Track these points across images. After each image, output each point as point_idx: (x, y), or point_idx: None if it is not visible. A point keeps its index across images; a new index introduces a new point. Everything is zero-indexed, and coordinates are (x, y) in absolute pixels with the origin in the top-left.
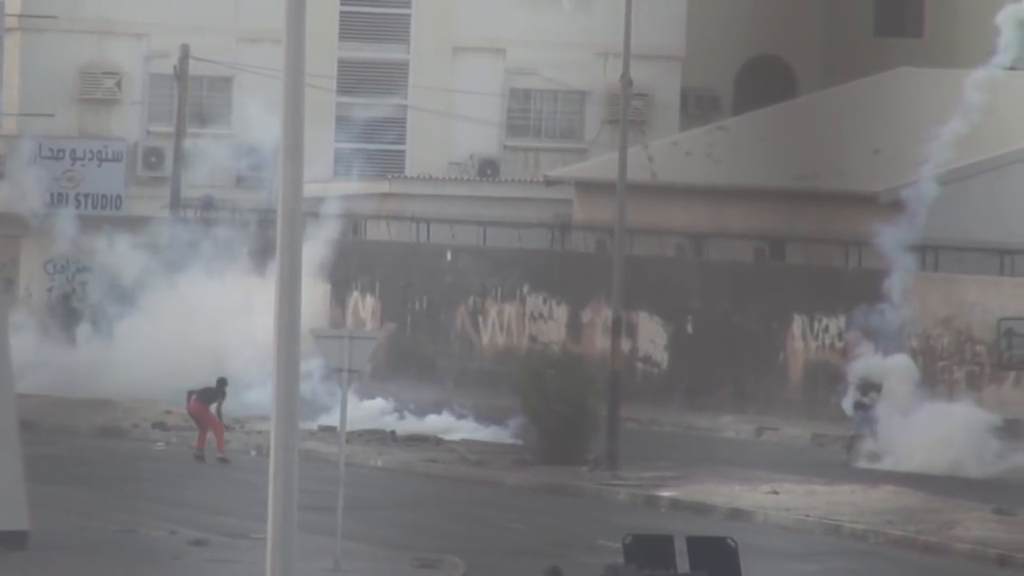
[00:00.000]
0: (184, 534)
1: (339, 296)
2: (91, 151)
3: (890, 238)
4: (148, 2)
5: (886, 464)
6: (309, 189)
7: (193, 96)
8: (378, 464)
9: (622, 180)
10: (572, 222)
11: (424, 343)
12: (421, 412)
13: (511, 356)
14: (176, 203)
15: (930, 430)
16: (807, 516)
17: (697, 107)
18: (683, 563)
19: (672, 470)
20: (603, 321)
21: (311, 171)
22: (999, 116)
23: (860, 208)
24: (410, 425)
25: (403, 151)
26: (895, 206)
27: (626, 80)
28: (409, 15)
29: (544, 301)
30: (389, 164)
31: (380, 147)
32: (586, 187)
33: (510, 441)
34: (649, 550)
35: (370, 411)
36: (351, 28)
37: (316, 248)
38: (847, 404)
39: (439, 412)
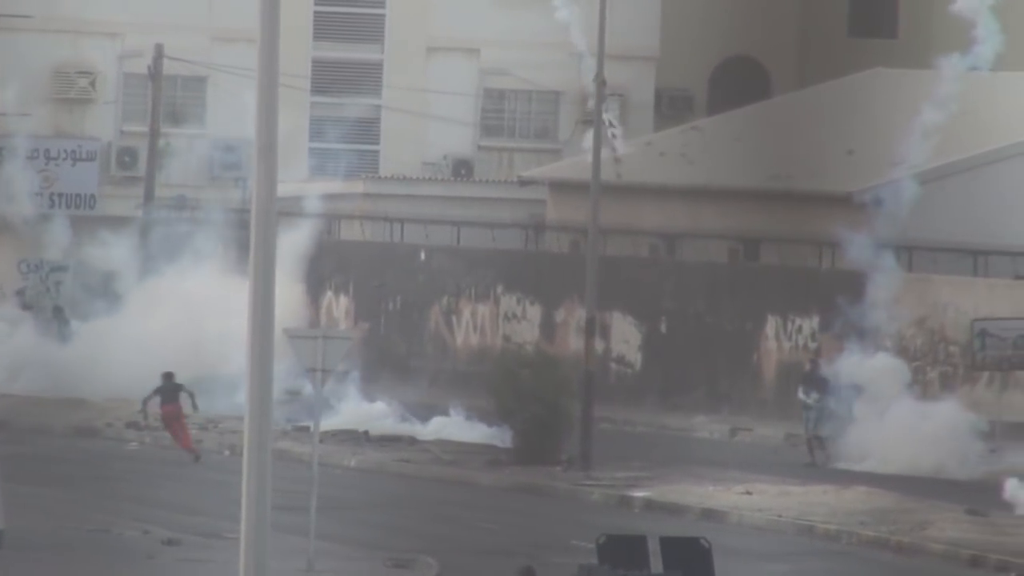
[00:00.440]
0: (157, 534)
1: (313, 296)
2: (65, 151)
3: (869, 239)
4: (122, 2)
5: (868, 465)
6: (283, 189)
7: (167, 96)
8: (352, 464)
9: (595, 180)
10: (546, 222)
11: (398, 343)
12: (423, 416)
13: (485, 356)
14: (150, 203)
15: (914, 431)
16: (780, 516)
17: (671, 107)
18: (656, 563)
19: (646, 470)
20: (577, 321)
21: (285, 171)
22: (974, 116)
23: (834, 208)
24: (415, 429)
25: (377, 151)
26: (872, 205)
27: (600, 80)
28: (383, 15)
29: (518, 301)
30: (363, 164)
31: (354, 147)
32: (560, 187)
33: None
34: (622, 550)
35: (371, 414)
36: (325, 28)
37: (293, 248)
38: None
39: (446, 414)
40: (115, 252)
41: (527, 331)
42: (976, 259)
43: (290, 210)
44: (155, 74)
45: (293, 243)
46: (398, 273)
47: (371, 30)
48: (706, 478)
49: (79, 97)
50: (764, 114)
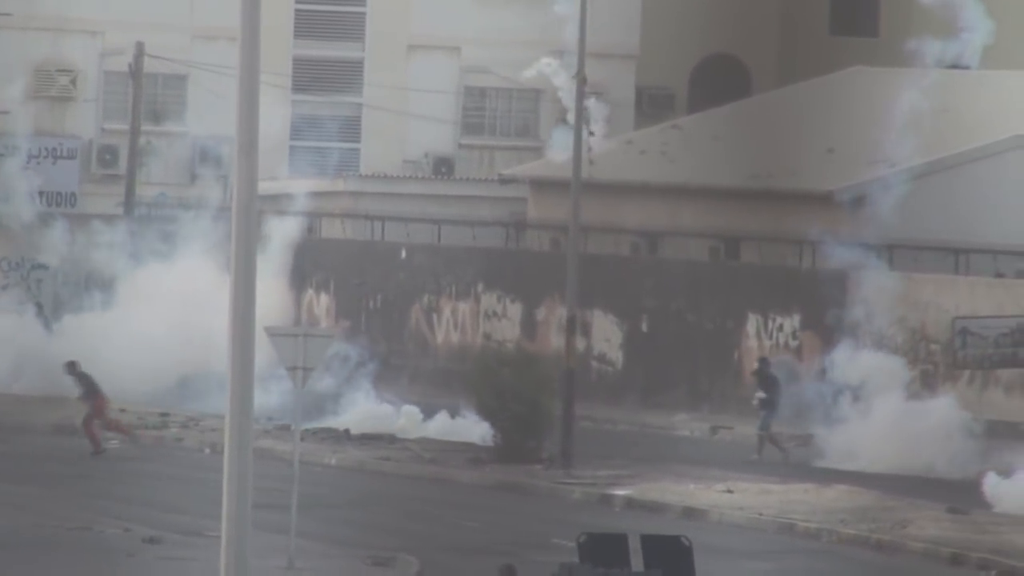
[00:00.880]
0: (138, 532)
1: (294, 294)
2: (46, 148)
3: (852, 236)
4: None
5: (858, 464)
6: (264, 187)
7: (148, 94)
8: (332, 462)
9: (576, 178)
10: (527, 220)
11: (378, 341)
12: (430, 415)
13: (465, 354)
14: (130, 200)
15: (903, 430)
16: (761, 515)
17: (651, 105)
18: (637, 562)
19: (626, 468)
20: (558, 319)
21: (266, 169)
22: (956, 114)
23: (815, 207)
24: (424, 428)
25: (358, 149)
26: (852, 204)
27: (580, 78)
28: (364, 13)
29: (499, 299)
30: (344, 162)
31: (335, 145)
32: (540, 185)
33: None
34: (603, 549)
35: (379, 415)
36: (306, 26)
37: (276, 246)
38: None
39: (454, 415)
40: (100, 251)
41: (508, 329)
42: (958, 257)
43: (272, 208)
44: (136, 72)
45: (276, 241)
46: (379, 271)
47: (352, 28)
48: (687, 476)
49: (60, 95)
50: (745, 112)
